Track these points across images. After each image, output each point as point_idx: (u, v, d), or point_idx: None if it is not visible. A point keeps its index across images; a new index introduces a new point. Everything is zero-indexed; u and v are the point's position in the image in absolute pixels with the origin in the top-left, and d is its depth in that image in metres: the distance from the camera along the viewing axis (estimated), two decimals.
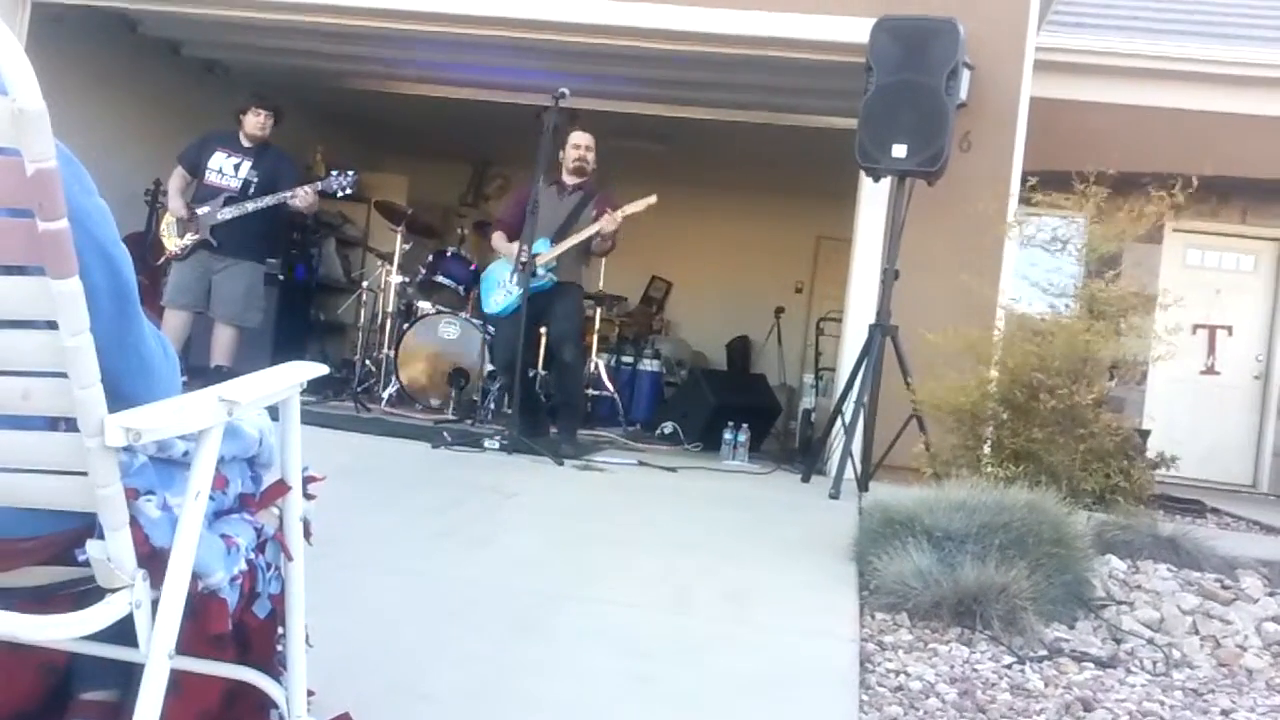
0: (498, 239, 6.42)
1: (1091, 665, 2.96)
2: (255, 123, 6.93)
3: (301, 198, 6.80)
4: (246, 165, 6.89)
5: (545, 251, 6.06)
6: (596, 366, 8.17)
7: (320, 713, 1.96)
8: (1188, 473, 6.32)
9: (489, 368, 7.21)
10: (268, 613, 1.76)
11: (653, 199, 5.92)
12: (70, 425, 1.34)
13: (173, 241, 6.85)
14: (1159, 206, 4.68)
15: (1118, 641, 3.19)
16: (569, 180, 6.29)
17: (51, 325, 1.27)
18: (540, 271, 6.01)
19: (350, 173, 7.01)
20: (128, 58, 8.16)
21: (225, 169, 6.89)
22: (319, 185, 6.97)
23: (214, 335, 6.91)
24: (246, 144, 6.95)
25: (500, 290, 6.29)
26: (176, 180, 6.97)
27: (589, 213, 6.18)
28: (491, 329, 7.26)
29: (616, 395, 8.21)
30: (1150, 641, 3.19)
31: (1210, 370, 8.96)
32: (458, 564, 3.44)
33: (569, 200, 6.24)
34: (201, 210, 6.78)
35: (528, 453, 5.44)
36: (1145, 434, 5.93)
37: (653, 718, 2.47)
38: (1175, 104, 7.33)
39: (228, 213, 6.76)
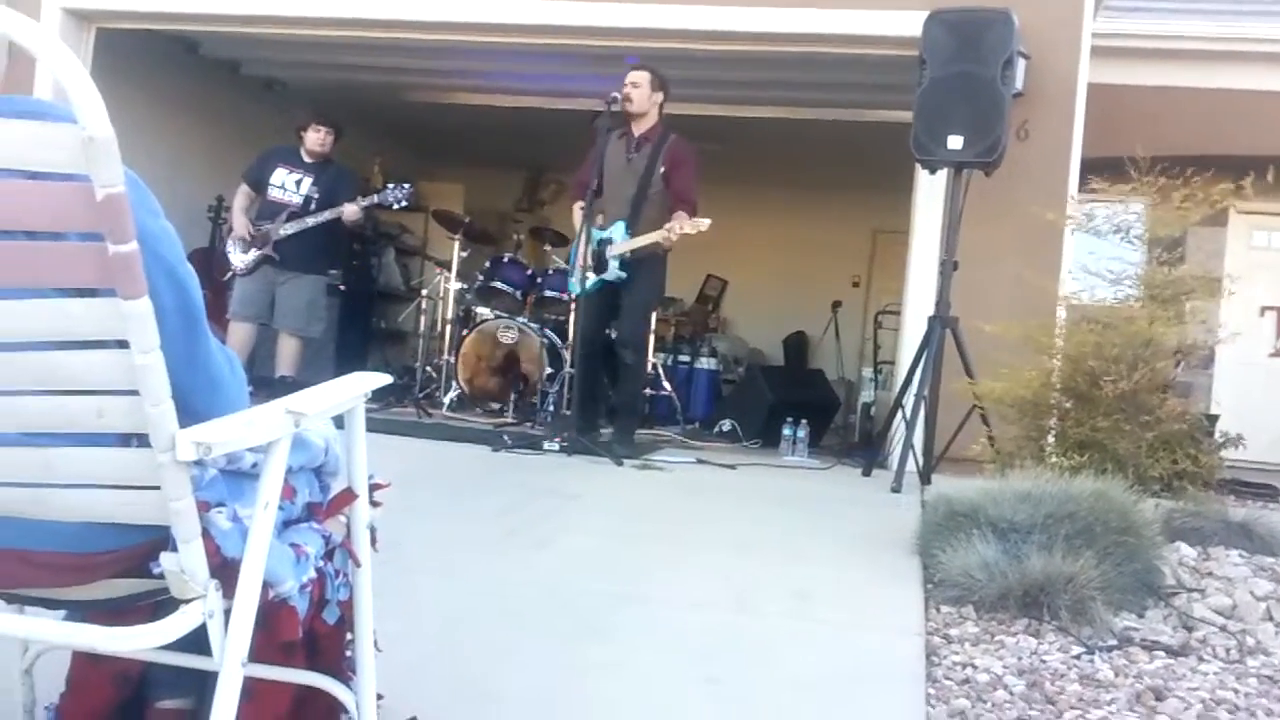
0: (576, 211, 6.17)
1: (1162, 654, 2.92)
2: (316, 139, 7.07)
3: (348, 214, 6.95)
4: (308, 181, 7.03)
5: (618, 244, 5.94)
6: (654, 366, 8.19)
7: (390, 716, 1.99)
8: (1259, 456, 6.20)
9: (548, 370, 7.26)
10: (337, 619, 1.79)
11: (705, 224, 5.72)
12: (142, 441, 1.37)
13: (237, 257, 7.01)
14: (1221, 194, 4.60)
15: (1189, 629, 3.14)
16: (635, 129, 6.04)
17: (123, 345, 1.30)
18: (613, 265, 5.95)
19: (406, 185, 7.13)
20: (189, 78, 8.33)
21: (287, 185, 7.03)
22: (374, 199, 7.10)
23: (278, 346, 7.07)
24: (308, 160, 7.08)
25: (581, 271, 6.08)
26: (241, 199, 7.13)
27: (659, 171, 5.97)
28: (549, 332, 7.34)
29: (674, 394, 8.21)
30: (1223, 629, 3.14)
31: (1279, 353, 8.78)
32: (521, 566, 3.48)
33: (637, 161, 6.00)
34: (265, 226, 6.93)
35: (587, 453, 5.47)
36: (1213, 419, 5.83)
37: (719, 718, 2.48)
38: (1237, 85, 7.17)
39: (289, 228, 6.90)
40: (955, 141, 5.35)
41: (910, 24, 5.62)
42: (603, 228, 5.99)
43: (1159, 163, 4.75)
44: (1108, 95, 6.46)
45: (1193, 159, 4.87)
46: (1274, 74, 7.16)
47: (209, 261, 7.94)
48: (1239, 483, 5.81)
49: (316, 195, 7.01)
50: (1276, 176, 4.57)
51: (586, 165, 6.13)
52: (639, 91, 5.97)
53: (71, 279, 1.32)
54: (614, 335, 6.38)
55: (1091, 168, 5.87)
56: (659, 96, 6.06)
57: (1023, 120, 5.91)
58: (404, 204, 7.23)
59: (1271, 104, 7.34)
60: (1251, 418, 6.67)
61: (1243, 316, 4.77)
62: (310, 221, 6.93)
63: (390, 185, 7.20)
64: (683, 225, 5.75)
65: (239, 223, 7.06)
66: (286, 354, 7.05)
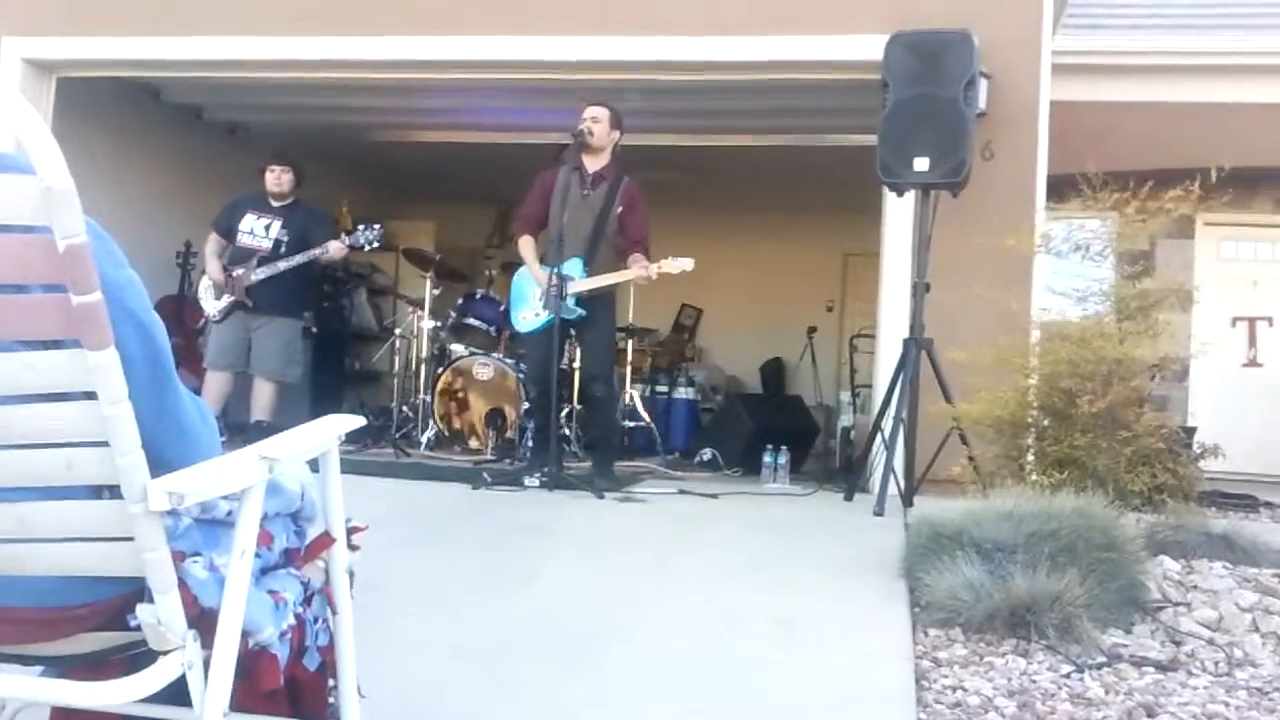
0: (523, 244, 6.18)
1: (1152, 669, 2.92)
2: (272, 179, 7.09)
3: (335, 250, 6.92)
4: (277, 225, 7.02)
5: (577, 280, 5.88)
6: (631, 398, 8.17)
7: None
8: (1237, 467, 6.23)
9: (525, 406, 7.22)
10: (318, 665, 1.76)
11: (689, 264, 5.78)
12: (114, 493, 1.36)
13: (210, 304, 6.99)
14: (1185, 202, 4.63)
15: (1177, 644, 3.14)
16: (589, 165, 6.02)
17: (90, 396, 1.29)
18: (570, 303, 5.88)
19: (376, 226, 7.13)
20: (152, 125, 8.30)
21: (256, 230, 7.02)
22: (346, 241, 7.08)
23: (254, 391, 7.03)
24: (275, 204, 7.07)
25: (529, 309, 6.08)
26: (211, 245, 7.14)
27: (616, 210, 5.96)
28: (524, 366, 7.28)
29: (653, 425, 8.19)
30: (1210, 642, 3.14)
31: (1253, 363, 8.83)
32: (504, 603, 3.44)
33: (594, 198, 5.97)
34: (236, 272, 6.91)
35: (568, 488, 5.44)
36: (1190, 431, 5.86)
37: None
38: (1197, 98, 7.26)
39: (261, 273, 6.89)
40: (921, 163, 5.38)
41: (871, 48, 5.65)
42: (560, 262, 5.85)
43: (1124, 178, 4.78)
44: (1070, 112, 6.51)
45: (1156, 173, 4.91)
46: (1233, 87, 7.26)
47: (179, 309, 7.90)
48: (1219, 494, 5.82)
49: (286, 238, 6.99)
50: (1247, 189, 4.59)
51: (533, 199, 6.12)
52: (600, 126, 5.99)
53: (36, 331, 1.31)
54: (583, 369, 6.37)
55: (1057, 184, 5.91)
56: (616, 134, 6.08)
57: (987, 140, 5.95)
58: (375, 245, 7.22)
59: (1231, 116, 7.43)
60: (1228, 428, 6.72)
61: (1214, 328, 4.79)
62: (282, 265, 6.91)
63: (361, 226, 7.17)
64: (662, 265, 5.79)
65: (212, 266, 7.06)
66: (262, 399, 7.00)
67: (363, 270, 10.36)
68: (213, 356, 7.02)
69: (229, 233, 7.09)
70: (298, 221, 7.08)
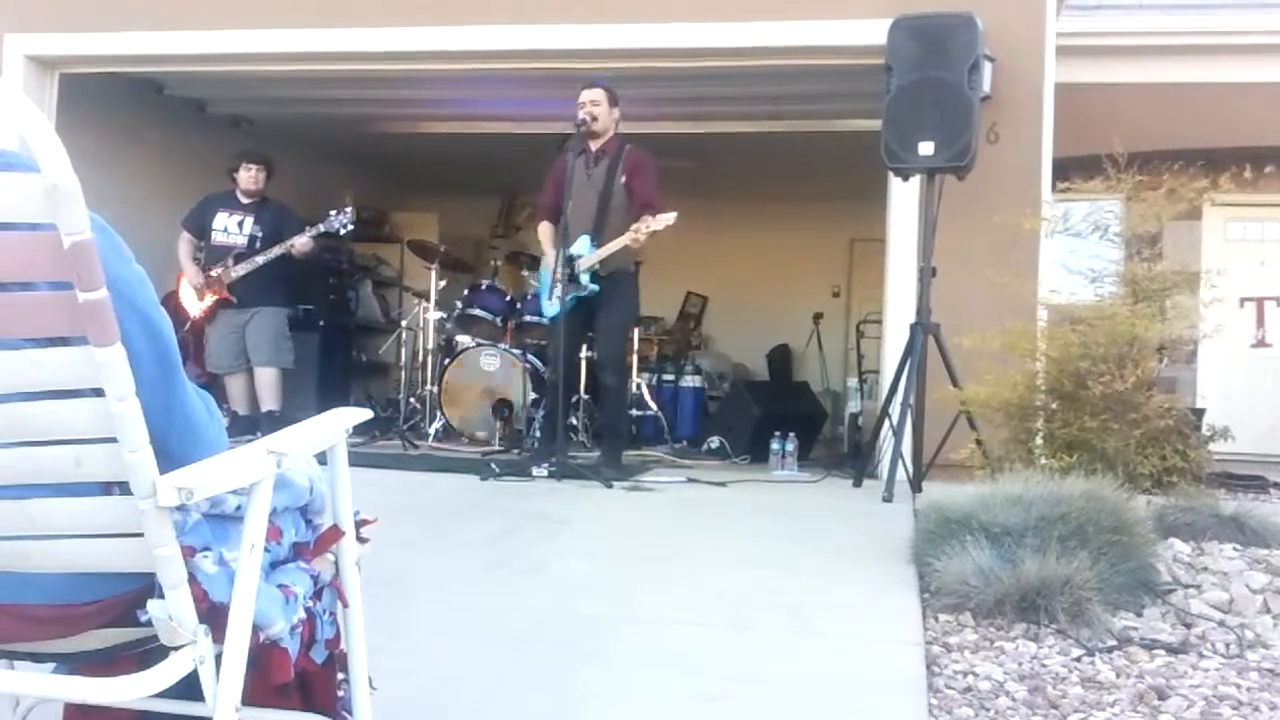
0: (542, 230, 6.33)
1: (1163, 652, 2.91)
2: (247, 177, 7.24)
3: (300, 245, 7.02)
4: (249, 221, 7.18)
5: (586, 256, 5.97)
6: (638, 386, 8.17)
7: None
8: (1246, 448, 6.21)
9: (532, 395, 7.23)
10: (325, 658, 1.77)
11: (672, 218, 5.81)
12: (123, 489, 1.36)
13: (193, 305, 7.09)
14: (1198, 190, 4.61)
15: (1188, 626, 3.13)
16: (592, 145, 6.15)
17: (98, 393, 1.29)
18: (584, 280, 5.97)
19: (347, 210, 7.15)
20: (155, 119, 8.31)
21: (230, 227, 7.18)
22: (319, 228, 7.13)
23: (257, 382, 7.15)
24: (245, 200, 7.19)
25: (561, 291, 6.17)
26: (185, 246, 7.28)
27: (619, 180, 6.06)
28: (531, 357, 7.33)
29: (660, 413, 8.20)
30: (1221, 623, 3.13)
31: (1261, 343, 8.81)
32: (514, 594, 3.44)
33: (598, 173, 6.09)
34: (215, 271, 6.99)
35: (576, 478, 5.44)
36: (1199, 413, 5.84)
37: None
38: (1203, 78, 7.23)
39: (240, 269, 7.08)
40: (926, 147, 5.36)
41: (875, 32, 5.63)
42: (569, 245, 5.96)
43: (1130, 159, 4.76)
44: (1075, 94, 6.48)
45: (1163, 153, 4.90)
46: (1239, 66, 7.22)
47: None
48: (1228, 476, 5.81)
49: (260, 234, 7.17)
50: (1254, 169, 4.57)
51: (549, 187, 6.23)
52: (600, 109, 6.07)
53: (42, 328, 1.30)
54: (594, 357, 6.37)
55: (1063, 167, 5.90)
56: (616, 112, 6.16)
57: (991, 123, 5.93)
58: (348, 227, 7.28)
59: (1238, 96, 7.39)
60: (1237, 410, 6.71)
61: (1223, 309, 4.77)
62: (260, 260, 7.07)
63: (333, 211, 7.21)
64: (648, 224, 5.81)
65: (190, 270, 7.20)
66: (266, 387, 7.18)
67: (368, 263, 10.37)
68: (216, 361, 7.19)
69: (201, 231, 7.24)
70: (269, 216, 7.24)
